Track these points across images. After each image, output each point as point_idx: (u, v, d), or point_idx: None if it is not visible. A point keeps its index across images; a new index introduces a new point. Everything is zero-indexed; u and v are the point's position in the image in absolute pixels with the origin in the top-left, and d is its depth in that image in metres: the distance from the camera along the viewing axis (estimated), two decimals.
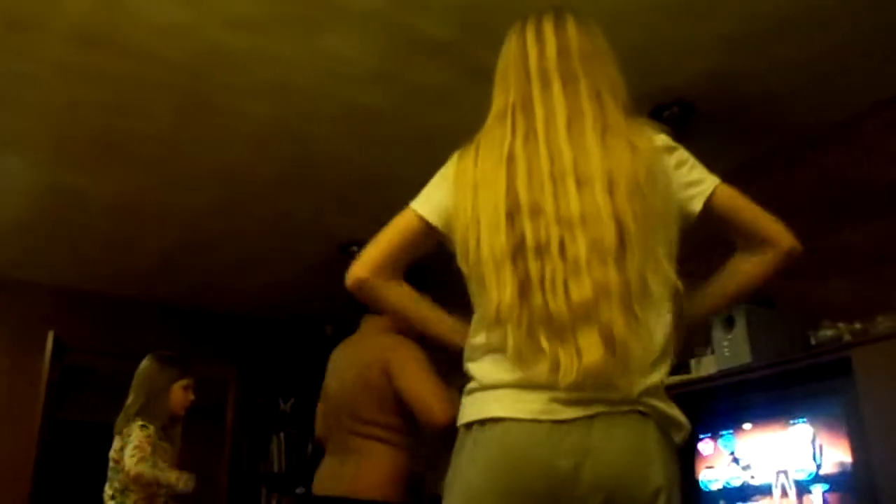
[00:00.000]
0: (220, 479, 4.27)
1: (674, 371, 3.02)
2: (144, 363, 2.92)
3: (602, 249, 0.97)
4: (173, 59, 2.40)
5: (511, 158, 1.04)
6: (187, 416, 2.96)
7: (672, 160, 1.12)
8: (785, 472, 2.42)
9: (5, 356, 3.97)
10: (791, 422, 2.43)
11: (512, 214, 1.00)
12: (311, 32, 2.29)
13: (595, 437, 0.95)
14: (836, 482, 2.28)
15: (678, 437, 1.04)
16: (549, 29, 1.14)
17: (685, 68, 2.48)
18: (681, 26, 2.28)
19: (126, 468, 2.59)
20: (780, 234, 1.18)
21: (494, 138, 1.09)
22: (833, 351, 2.37)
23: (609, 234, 0.98)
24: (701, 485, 2.65)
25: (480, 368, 1.04)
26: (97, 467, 3.27)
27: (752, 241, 1.17)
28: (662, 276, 1.01)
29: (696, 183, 1.13)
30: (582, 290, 0.96)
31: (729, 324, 2.62)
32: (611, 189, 1.00)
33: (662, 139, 1.13)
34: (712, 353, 2.69)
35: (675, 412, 1.05)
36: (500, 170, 1.04)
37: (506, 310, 0.97)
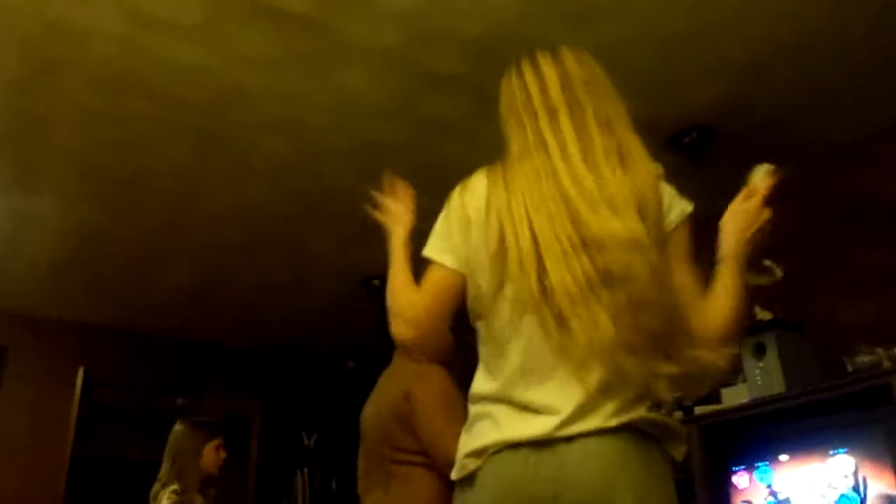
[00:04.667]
0: None
1: (703, 401, 2.95)
2: (176, 428, 2.99)
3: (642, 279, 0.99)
4: (192, 99, 2.45)
5: (538, 194, 1.06)
6: None
7: (665, 187, 1.14)
8: None
9: (34, 392, 4.01)
10: (831, 452, 2.33)
11: (569, 248, 1.01)
12: (325, 69, 2.32)
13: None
14: None
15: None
16: (546, 64, 1.17)
17: (702, 94, 2.46)
18: (695, 52, 2.27)
19: None
20: None
21: (520, 175, 1.09)
22: (871, 378, 2.28)
23: (647, 262, 1.00)
24: None
25: None
26: (122, 503, 3.26)
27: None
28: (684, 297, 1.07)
29: (675, 207, 1.15)
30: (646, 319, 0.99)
31: (760, 351, 2.53)
32: (642, 215, 1.03)
33: (659, 166, 1.15)
34: (744, 381, 2.60)
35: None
36: (523, 207, 1.06)
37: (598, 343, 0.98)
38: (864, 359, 2.35)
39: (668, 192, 1.13)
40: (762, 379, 2.49)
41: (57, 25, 2.11)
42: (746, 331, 2.61)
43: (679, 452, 1.04)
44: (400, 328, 1.16)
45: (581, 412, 0.98)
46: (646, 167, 1.08)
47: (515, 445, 0.99)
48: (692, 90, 2.44)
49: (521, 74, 1.18)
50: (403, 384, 1.87)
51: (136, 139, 2.67)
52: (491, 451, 1.01)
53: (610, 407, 0.99)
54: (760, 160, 2.87)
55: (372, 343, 1.92)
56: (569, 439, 0.97)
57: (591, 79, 1.16)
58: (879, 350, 2.33)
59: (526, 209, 1.05)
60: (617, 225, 1.00)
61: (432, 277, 1.15)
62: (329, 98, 2.46)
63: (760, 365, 2.51)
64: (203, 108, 2.50)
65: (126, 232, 3.33)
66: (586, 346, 0.97)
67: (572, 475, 0.96)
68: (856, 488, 2.24)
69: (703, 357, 1.02)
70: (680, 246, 1.12)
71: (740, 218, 1.19)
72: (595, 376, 0.98)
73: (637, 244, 0.99)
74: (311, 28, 2.14)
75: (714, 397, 2.69)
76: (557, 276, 0.99)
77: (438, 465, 1.73)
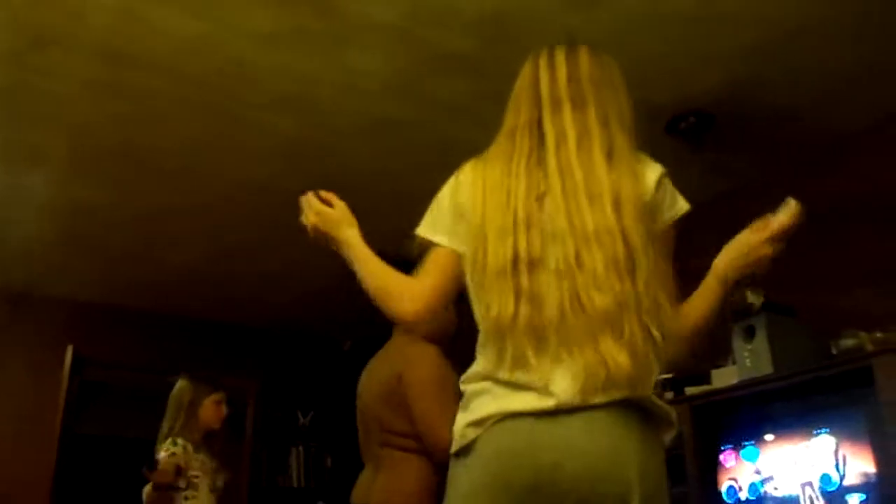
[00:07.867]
0: (240, 492, 4.26)
1: (694, 382, 3.01)
2: (177, 384, 3.00)
3: (616, 264, 1.03)
4: (195, 74, 2.43)
5: (516, 175, 1.12)
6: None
7: (664, 188, 1.17)
8: (809, 484, 2.39)
9: (24, 371, 4.00)
10: (814, 433, 2.41)
11: (517, 227, 1.07)
12: (332, 47, 2.32)
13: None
14: (860, 493, 2.25)
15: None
16: (560, 57, 1.22)
17: (703, 78, 2.48)
18: (698, 36, 2.30)
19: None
20: None
21: (503, 154, 1.17)
22: (854, 360, 2.35)
23: (620, 250, 1.04)
24: (724, 497, 2.62)
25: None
26: (115, 481, 3.28)
27: None
28: (668, 291, 1.08)
29: (672, 208, 1.18)
30: (604, 301, 1.02)
31: (749, 333, 2.60)
32: (617, 208, 1.07)
33: (659, 168, 1.18)
34: (733, 363, 2.67)
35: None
36: (505, 185, 1.12)
37: (508, 320, 1.03)
38: (847, 342, 2.43)
39: (669, 191, 1.17)
40: (751, 361, 2.56)
41: None
42: (737, 314, 2.67)
43: (669, 437, 1.09)
44: (405, 305, 1.20)
45: (578, 389, 1.01)
46: (633, 167, 1.13)
47: (517, 415, 1.01)
48: (694, 74, 2.46)
49: (535, 64, 1.24)
50: (396, 366, 1.89)
51: (136, 114, 2.64)
52: (493, 420, 1.03)
53: (609, 383, 1.01)
54: (760, 147, 2.90)
55: (369, 323, 1.93)
56: (570, 411, 1.00)
57: (600, 78, 1.21)
58: (863, 334, 2.40)
59: (484, 187, 1.13)
60: (587, 217, 1.05)
61: (432, 256, 1.21)
62: (336, 75, 2.45)
63: (749, 347, 2.57)
64: (206, 84, 2.48)
65: (122, 209, 3.31)
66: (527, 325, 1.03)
67: (575, 444, 0.99)
68: (836, 467, 2.33)
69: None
70: (666, 245, 1.16)
71: (742, 248, 1.20)
72: (581, 357, 1.01)
73: (598, 237, 1.04)
74: (318, 3, 2.13)
75: (704, 378, 2.76)
76: (491, 252, 1.07)
77: (429, 449, 1.75)
